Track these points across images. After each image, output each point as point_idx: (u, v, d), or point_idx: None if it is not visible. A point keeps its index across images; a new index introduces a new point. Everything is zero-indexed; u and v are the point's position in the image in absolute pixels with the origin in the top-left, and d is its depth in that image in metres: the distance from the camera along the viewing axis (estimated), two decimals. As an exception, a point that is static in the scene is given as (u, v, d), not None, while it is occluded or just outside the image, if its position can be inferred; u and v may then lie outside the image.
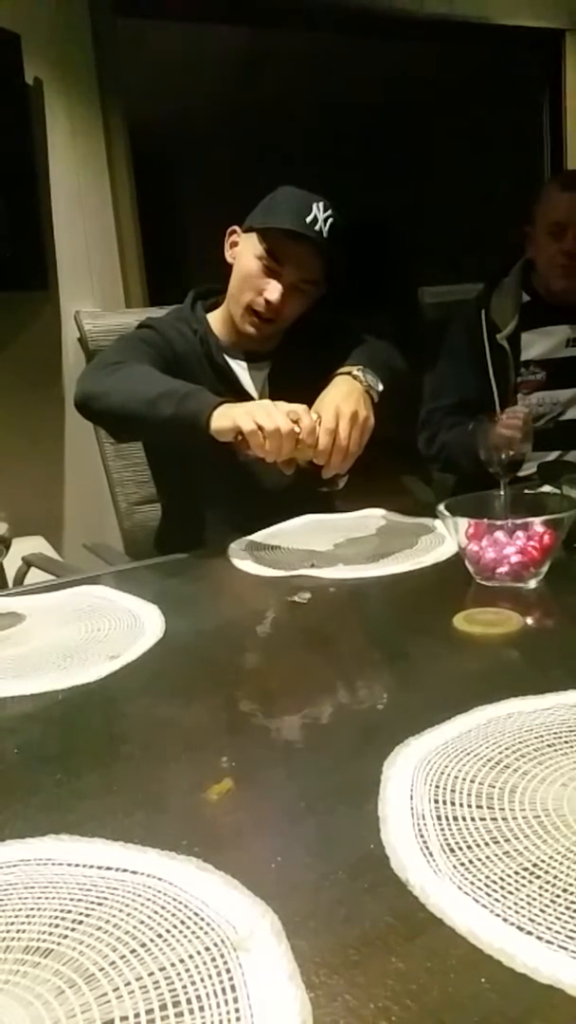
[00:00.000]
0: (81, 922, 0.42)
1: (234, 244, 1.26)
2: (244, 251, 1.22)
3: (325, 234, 1.16)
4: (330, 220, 1.17)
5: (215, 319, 1.30)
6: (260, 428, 0.94)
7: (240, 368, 1.28)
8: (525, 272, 1.63)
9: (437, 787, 0.51)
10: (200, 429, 0.98)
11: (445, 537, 1.03)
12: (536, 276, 1.60)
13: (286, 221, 1.16)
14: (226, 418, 0.97)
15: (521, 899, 0.41)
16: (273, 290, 1.19)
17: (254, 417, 0.95)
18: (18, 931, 0.42)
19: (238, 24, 2.67)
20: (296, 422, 0.96)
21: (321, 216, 1.16)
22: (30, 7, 2.02)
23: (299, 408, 0.98)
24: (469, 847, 0.46)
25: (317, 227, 1.16)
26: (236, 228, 1.26)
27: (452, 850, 0.46)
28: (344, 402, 1.02)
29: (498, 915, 0.40)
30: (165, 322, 1.28)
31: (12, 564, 1.43)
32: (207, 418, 0.98)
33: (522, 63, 3.10)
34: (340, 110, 4.34)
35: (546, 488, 1.19)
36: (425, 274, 2.05)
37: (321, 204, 1.17)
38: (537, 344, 1.59)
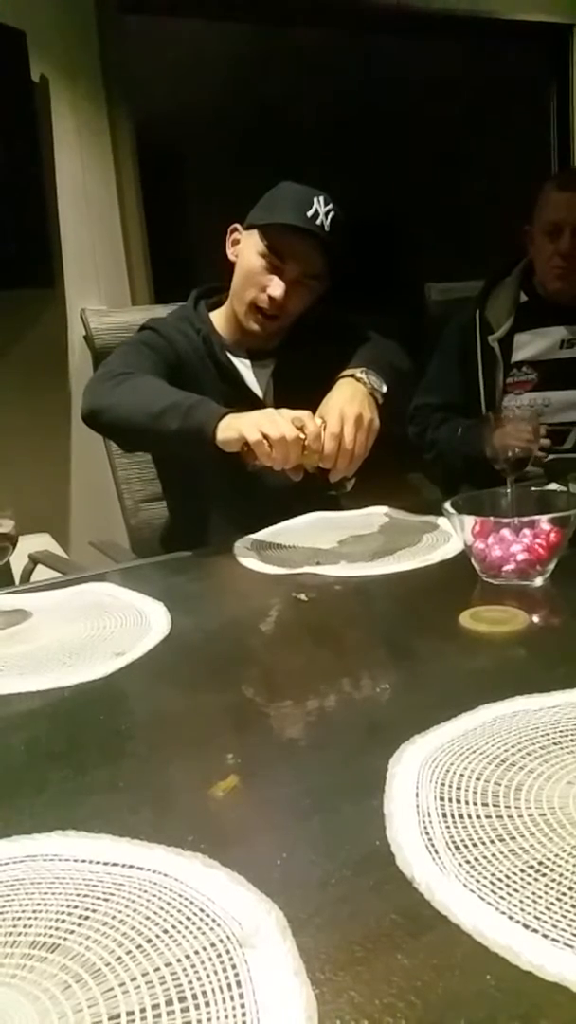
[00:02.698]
0: (87, 917, 0.42)
1: (235, 242, 1.26)
2: (246, 248, 1.22)
3: (327, 228, 1.16)
4: (331, 214, 1.17)
5: (218, 318, 1.30)
6: (265, 437, 0.94)
7: (244, 367, 1.28)
8: (526, 272, 1.63)
9: (443, 784, 0.51)
10: (206, 441, 0.99)
11: (451, 535, 1.03)
12: (536, 276, 1.60)
13: (287, 216, 1.16)
14: (231, 429, 0.97)
15: (527, 897, 0.41)
16: (276, 286, 1.19)
17: (259, 427, 0.95)
18: (25, 926, 0.42)
19: (244, 21, 2.66)
20: (301, 428, 0.96)
21: (322, 210, 1.16)
22: (36, 4, 2.02)
23: (303, 414, 0.98)
24: (475, 844, 0.46)
25: (318, 221, 1.15)
26: (237, 226, 1.26)
27: (458, 847, 0.46)
28: (348, 405, 1.02)
29: (504, 913, 0.40)
30: (168, 323, 1.28)
31: (19, 561, 1.44)
32: (212, 430, 0.98)
33: (529, 58, 3.09)
34: (346, 107, 4.33)
35: (553, 486, 1.19)
36: (433, 271, 2.05)
37: (322, 198, 1.16)
38: (531, 345, 1.59)
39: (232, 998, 0.37)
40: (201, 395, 1.06)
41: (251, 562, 1.02)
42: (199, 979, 0.38)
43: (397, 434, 1.49)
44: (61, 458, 2.21)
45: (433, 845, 0.46)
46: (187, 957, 0.39)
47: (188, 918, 0.42)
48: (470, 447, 1.43)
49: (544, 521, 0.85)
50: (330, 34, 3.19)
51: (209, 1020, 0.36)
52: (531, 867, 0.44)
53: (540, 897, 0.41)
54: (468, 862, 0.44)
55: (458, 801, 0.50)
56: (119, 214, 2.21)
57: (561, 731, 0.56)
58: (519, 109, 3.42)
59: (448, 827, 0.47)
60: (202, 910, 0.42)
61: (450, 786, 0.51)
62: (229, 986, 0.37)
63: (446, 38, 3.01)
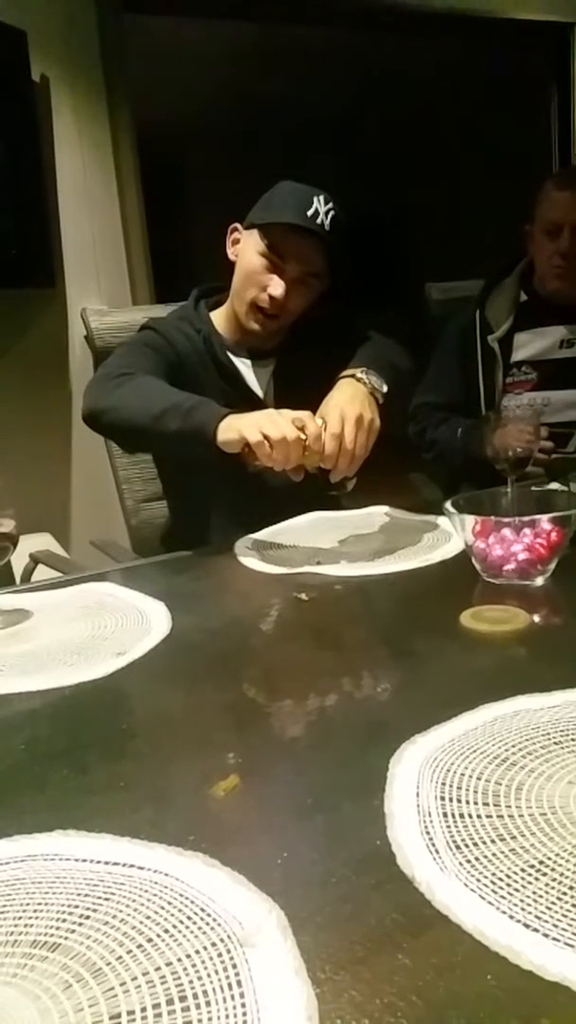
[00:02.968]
0: (88, 917, 0.42)
1: (236, 241, 1.26)
2: (246, 248, 1.22)
3: (327, 227, 1.16)
4: (331, 213, 1.17)
5: (219, 317, 1.30)
6: (266, 438, 0.94)
7: (244, 367, 1.28)
8: (526, 272, 1.63)
9: (443, 784, 0.51)
10: (207, 442, 0.99)
11: (452, 534, 1.03)
12: (536, 276, 1.60)
13: (287, 215, 1.16)
14: (232, 430, 0.97)
15: (527, 896, 0.41)
16: (277, 286, 1.19)
17: (260, 427, 0.95)
18: (26, 925, 0.42)
19: (245, 19, 2.66)
20: (302, 429, 0.96)
21: (322, 209, 1.16)
22: (36, 3, 2.02)
23: (304, 415, 0.98)
24: (475, 844, 0.46)
25: (319, 220, 1.15)
26: (237, 225, 1.26)
27: (458, 847, 0.46)
28: (349, 406, 1.02)
29: (504, 912, 0.40)
30: (168, 323, 1.28)
31: (19, 561, 1.44)
32: (213, 431, 0.98)
33: (530, 57, 3.09)
34: (346, 106, 4.33)
35: (554, 485, 1.19)
36: (433, 271, 2.05)
37: (322, 197, 1.16)
38: (531, 344, 1.59)
39: (233, 997, 0.37)
40: (201, 395, 1.06)
41: (252, 562, 1.02)
42: (200, 978, 0.38)
43: (397, 434, 1.49)
44: (62, 458, 2.21)
45: (434, 844, 0.46)
46: (188, 956, 0.39)
47: (189, 917, 0.42)
48: (470, 447, 1.43)
49: (545, 520, 0.85)
50: (331, 33, 3.19)
51: (210, 1019, 0.36)
52: (532, 866, 0.44)
53: (541, 896, 0.41)
54: (469, 861, 0.44)
55: (459, 801, 0.50)
56: (120, 213, 2.21)
57: (562, 730, 0.56)
58: (520, 108, 3.42)
59: (449, 826, 0.47)
60: (203, 909, 0.42)
61: (451, 786, 0.51)
62: (230, 985, 0.37)
63: (447, 37, 3.00)
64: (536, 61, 3.03)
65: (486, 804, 0.49)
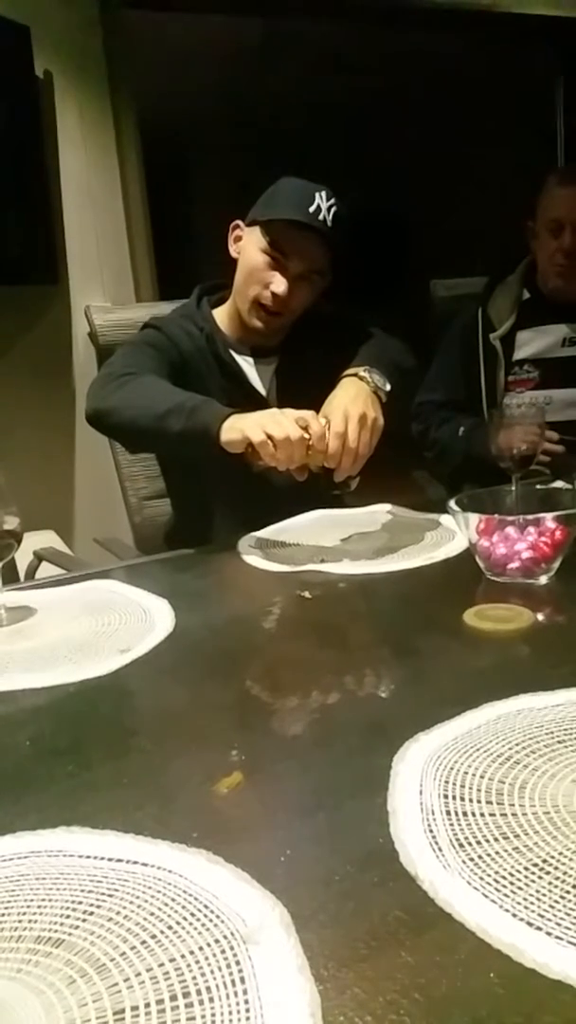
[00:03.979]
0: (92, 913, 0.43)
1: (238, 239, 1.26)
2: (248, 245, 1.22)
3: (329, 223, 1.16)
4: (333, 208, 1.16)
5: (221, 315, 1.30)
6: (270, 438, 0.94)
7: (247, 364, 1.28)
8: (529, 269, 1.62)
9: (446, 782, 0.51)
10: (210, 442, 0.99)
11: (455, 533, 1.03)
12: (538, 273, 1.60)
13: (289, 212, 1.16)
14: (235, 430, 0.97)
15: (530, 895, 0.41)
16: (279, 283, 1.18)
17: (263, 427, 0.95)
18: (30, 921, 0.42)
19: (248, 14, 2.66)
20: (305, 428, 0.96)
21: (324, 205, 1.15)
22: None
23: (307, 414, 0.98)
24: (478, 842, 0.46)
25: (321, 216, 1.15)
26: (239, 222, 1.26)
27: (461, 845, 0.46)
28: (352, 404, 1.02)
29: (507, 910, 0.41)
30: (171, 321, 1.28)
31: (23, 558, 1.44)
32: (216, 431, 0.98)
33: (536, 52, 3.07)
34: (351, 102, 4.31)
35: (558, 483, 1.19)
36: (439, 268, 2.04)
37: (323, 193, 1.16)
38: (533, 342, 1.59)
39: (236, 994, 0.37)
40: (204, 393, 1.06)
41: (255, 559, 1.02)
42: (203, 975, 0.38)
43: (400, 432, 1.49)
44: (65, 455, 2.22)
45: (437, 842, 0.46)
46: (191, 953, 0.39)
47: (192, 914, 0.42)
48: (472, 447, 1.43)
49: (549, 519, 0.84)
50: (336, 28, 3.18)
51: (213, 1016, 0.36)
52: (535, 865, 0.44)
53: (544, 895, 0.41)
54: (472, 859, 0.44)
55: (462, 799, 0.50)
56: (123, 210, 2.20)
57: (565, 729, 0.56)
58: (526, 103, 3.40)
59: (452, 824, 0.47)
60: (206, 906, 0.42)
61: (454, 784, 0.51)
62: (233, 982, 0.37)
63: (453, 32, 2.99)
64: (542, 56, 3.01)
65: (489, 802, 0.49)
